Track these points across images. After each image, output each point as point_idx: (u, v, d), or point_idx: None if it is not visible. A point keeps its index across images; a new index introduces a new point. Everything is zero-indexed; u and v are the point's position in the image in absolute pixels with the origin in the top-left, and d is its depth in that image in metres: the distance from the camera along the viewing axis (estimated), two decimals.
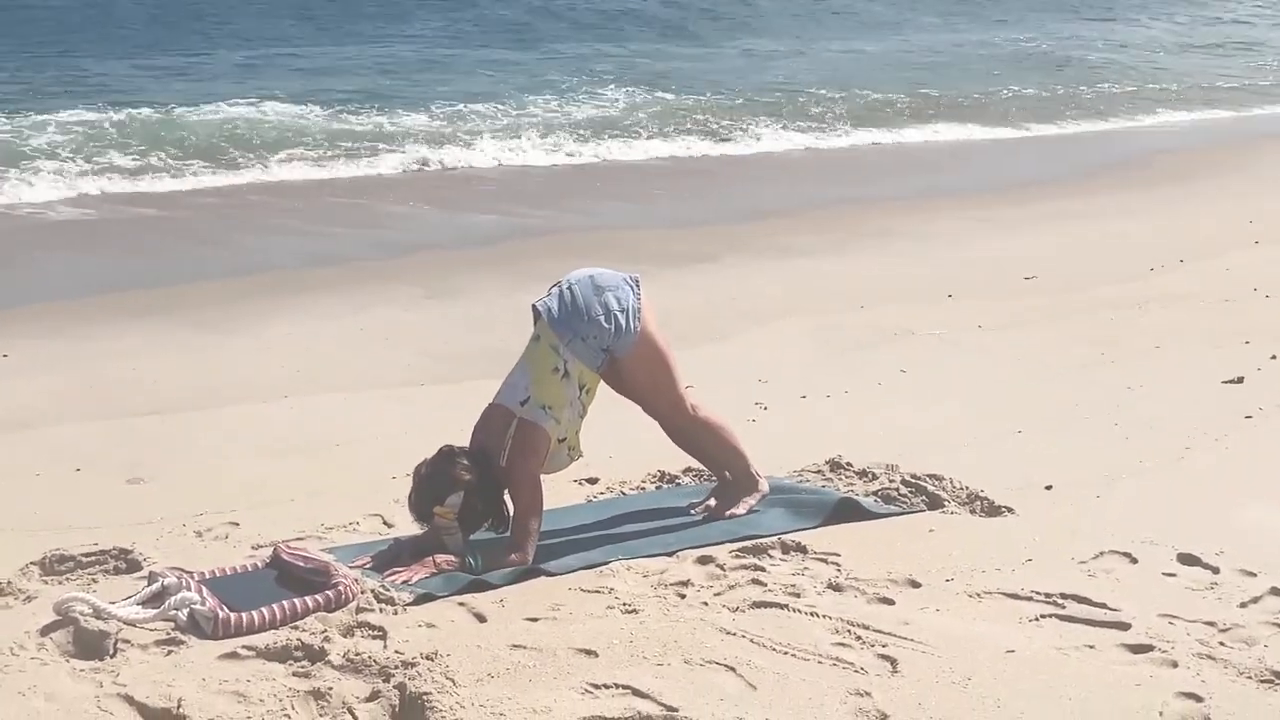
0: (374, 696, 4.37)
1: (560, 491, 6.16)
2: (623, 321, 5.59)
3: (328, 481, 6.60)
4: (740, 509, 5.90)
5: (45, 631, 4.79)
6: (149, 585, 5.12)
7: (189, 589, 5.02)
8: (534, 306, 5.67)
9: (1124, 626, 4.75)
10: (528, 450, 5.46)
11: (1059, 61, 25.35)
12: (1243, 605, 4.90)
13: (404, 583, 5.23)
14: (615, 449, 6.70)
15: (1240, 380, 7.65)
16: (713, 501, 5.99)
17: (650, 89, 21.17)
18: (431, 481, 5.39)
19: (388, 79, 21.68)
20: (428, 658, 4.55)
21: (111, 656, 4.68)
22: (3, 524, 6.09)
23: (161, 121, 17.52)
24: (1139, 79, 23.71)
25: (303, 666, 4.56)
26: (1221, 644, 4.58)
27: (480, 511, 5.48)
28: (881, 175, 16.78)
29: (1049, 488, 6.15)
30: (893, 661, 4.52)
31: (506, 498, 5.58)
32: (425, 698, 4.31)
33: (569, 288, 5.64)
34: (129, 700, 4.33)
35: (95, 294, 10.87)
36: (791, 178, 16.66)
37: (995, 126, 19.84)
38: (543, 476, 5.61)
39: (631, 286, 5.70)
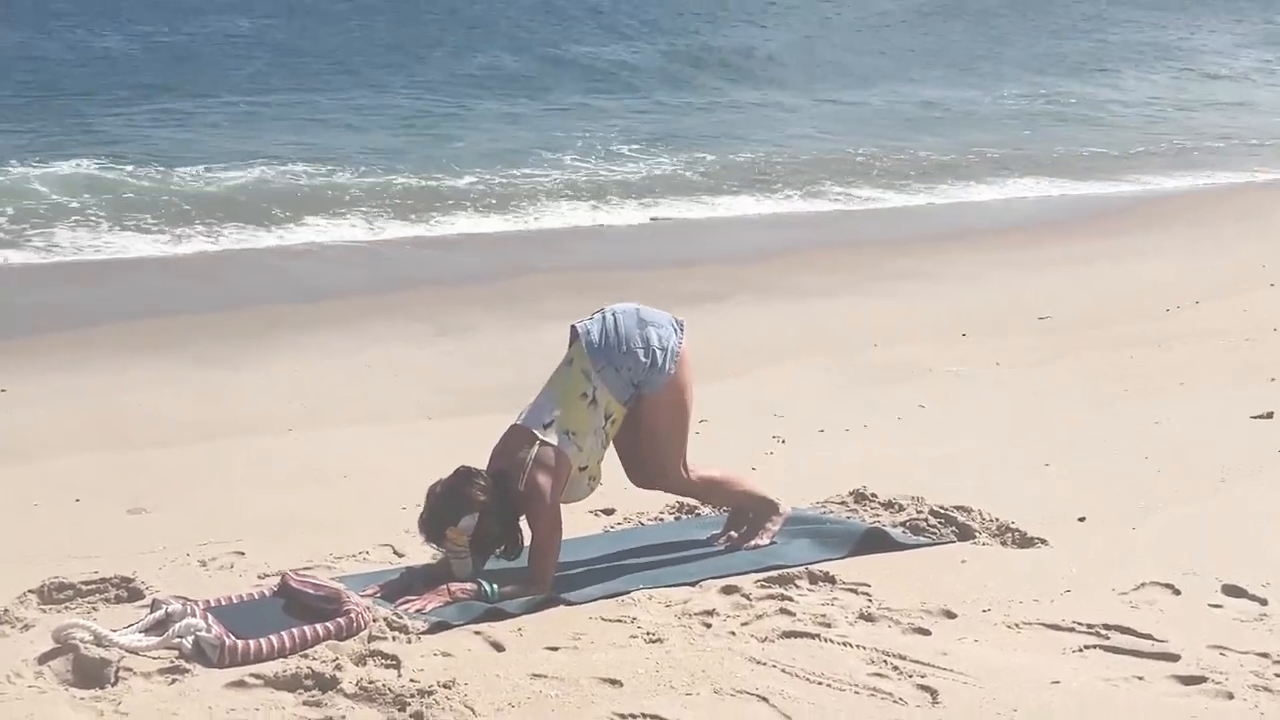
0: None
1: (577, 522, 5.95)
2: (660, 360, 5.42)
3: (337, 512, 6.40)
4: (763, 539, 5.70)
5: (43, 660, 4.59)
6: (152, 613, 4.91)
7: (194, 616, 4.81)
8: (573, 327, 5.49)
9: (1173, 658, 4.55)
10: (548, 475, 5.26)
11: (1077, 117, 24.95)
12: None
13: (417, 611, 5.02)
14: (632, 485, 6.49)
15: (1270, 415, 7.47)
16: (734, 533, 5.79)
17: (678, 146, 20.50)
18: (446, 501, 5.19)
19: (407, 136, 21.13)
20: (445, 686, 4.34)
21: (113, 685, 4.47)
22: None
23: (185, 181, 16.93)
24: (1194, 135, 22.93)
25: (313, 695, 4.35)
26: (1277, 675, 4.38)
27: (495, 536, 5.27)
28: (898, 219, 16.59)
29: (1082, 519, 5.95)
30: (933, 692, 4.31)
31: (522, 524, 5.38)
32: None
33: (613, 315, 5.48)
34: None
35: (94, 327, 10.70)
36: (796, 222, 16.46)
37: (1113, 181, 19.02)
38: (561, 505, 5.41)
39: (675, 329, 5.54)
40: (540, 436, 5.28)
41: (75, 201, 15.42)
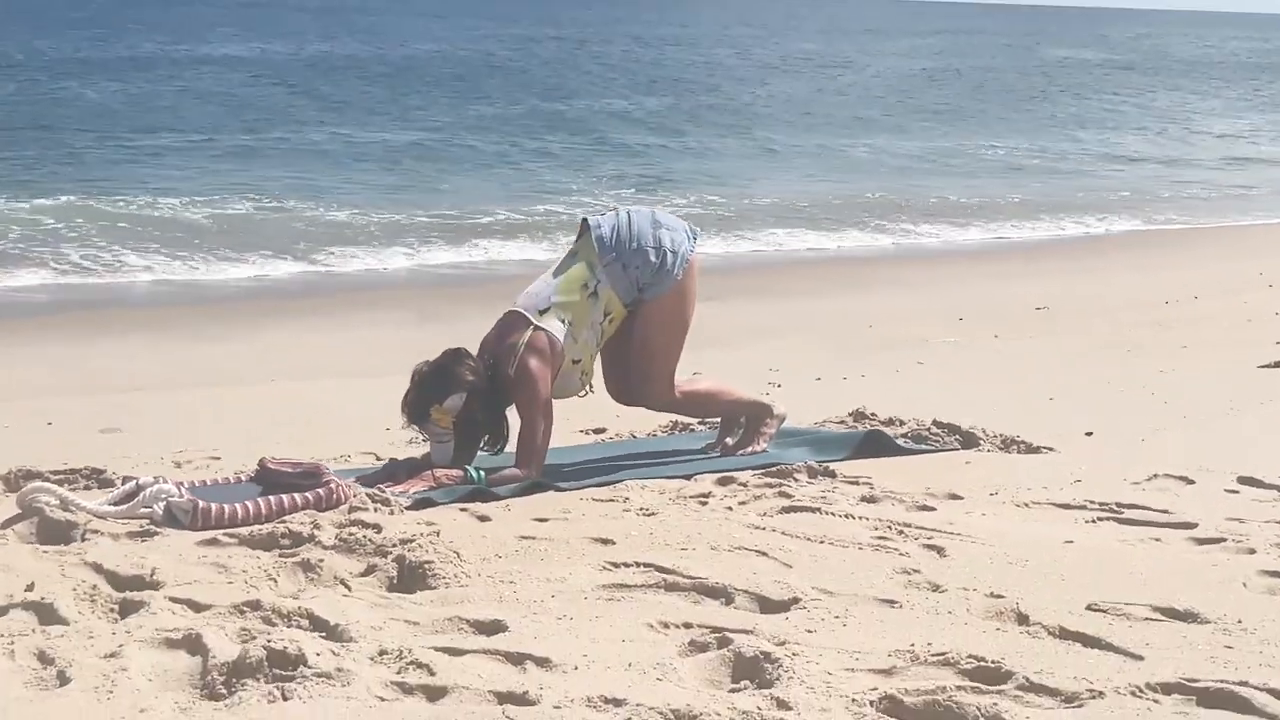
0: (369, 571, 3.94)
1: (567, 440, 5.77)
2: (670, 262, 5.22)
3: (318, 432, 6.20)
4: (759, 444, 5.49)
5: (6, 524, 4.36)
6: (123, 486, 4.69)
7: (166, 484, 4.60)
8: (584, 219, 5.32)
9: (1190, 525, 4.36)
10: (541, 360, 5.05)
11: (1090, 169, 24.51)
12: None
13: (400, 493, 4.80)
14: (623, 409, 6.29)
15: (1279, 365, 7.29)
16: (729, 439, 5.58)
17: (696, 186, 19.90)
18: (433, 378, 4.99)
19: (430, 173, 20.47)
20: (429, 536, 4.13)
21: (79, 543, 4.24)
22: None
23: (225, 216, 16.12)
24: (1213, 187, 22.35)
25: (291, 552, 4.12)
26: None
27: (480, 422, 5.05)
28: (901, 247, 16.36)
29: (1089, 434, 5.76)
30: (939, 549, 4.11)
31: (510, 416, 5.17)
32: (427, 566, 3.89)
33: (627, 213, 5.32)
34: (97, 569, 3.91)
35: (88, 311, 10.55)
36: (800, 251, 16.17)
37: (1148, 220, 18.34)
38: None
39: (689, 236, 5.35)
40: (535, 322, 5.09)
41: (92, 227, 14.76)
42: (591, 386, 5.37)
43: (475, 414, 5.02)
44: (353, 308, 11.20)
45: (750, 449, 5.48)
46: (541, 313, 5.11)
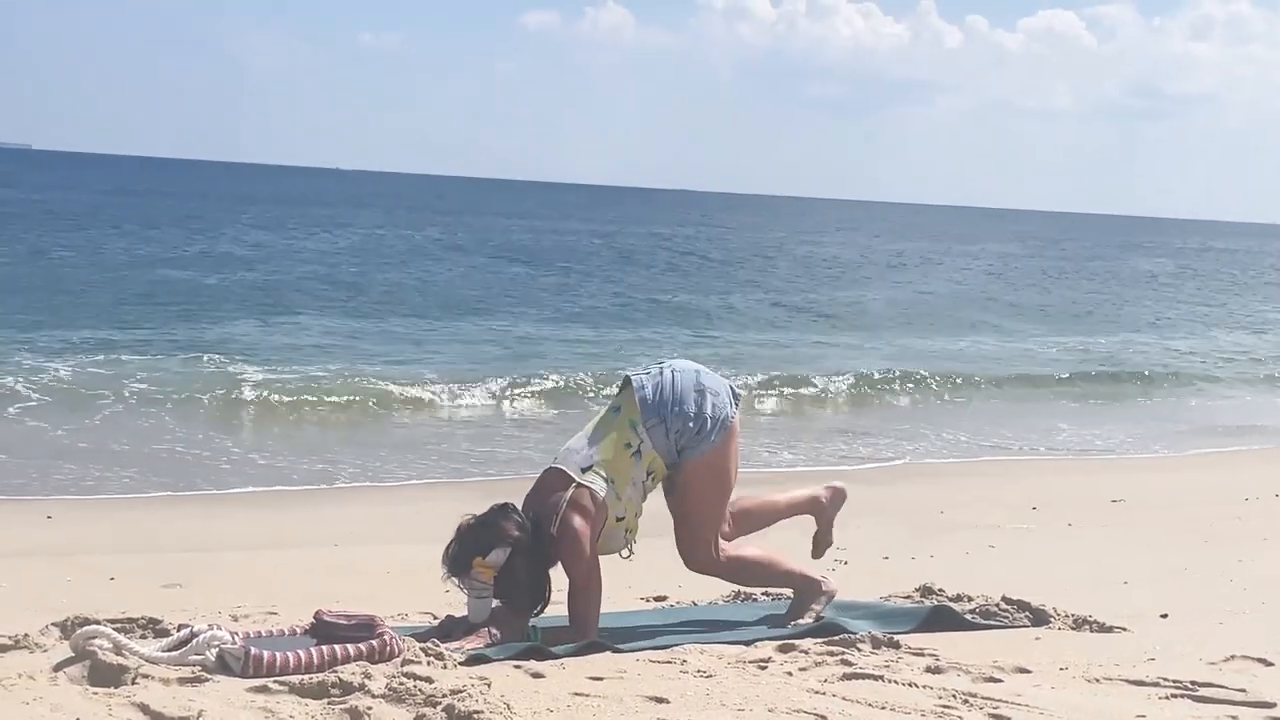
0: None
1: (628, 605, 5.70)
2: (709, 427, 5.17)
3: (377, 592, 6.16)
4: (807, 617, 5.35)
5: (59, 667, 4.33)
6: (177, 633, 4.66)
7: (220, 631, 4.55)
8: (627, 377, 5.29)
9: (1269, 705, 4.19)
10: (584, 517, 4.97)
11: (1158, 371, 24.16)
12: None
13: (455, 648, 4.72)
14: (684, 579, 6.21)
15: None
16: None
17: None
18: (478, 532, 4.92)
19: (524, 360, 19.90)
20: (479, 687, 4.05)
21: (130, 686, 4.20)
22: (26, 605, 5.65)
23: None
24: None
25: (340, 700, 4.05)
26: None
27: (520, 579, 4.93)
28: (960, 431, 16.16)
29: (1164, 616, 5.59)
30: (1006, 719, 3.96)
31: (554, 575, 5.07)
32: (476, 715, 3.81)
33: (671, 372, 5.25)
34: (144, 709, 3.86)
35: (138, 491, 10.54)
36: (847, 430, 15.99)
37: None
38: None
39: (731, 400, 5.29)
40: (577, 479, 5.03)
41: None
42: (634, 548, 5.24)
43: (517, 570, 4.93)
44: (423, 486, 11.17)
45: (796, 622, 5.34)
46: (584, 470, 5.05)
